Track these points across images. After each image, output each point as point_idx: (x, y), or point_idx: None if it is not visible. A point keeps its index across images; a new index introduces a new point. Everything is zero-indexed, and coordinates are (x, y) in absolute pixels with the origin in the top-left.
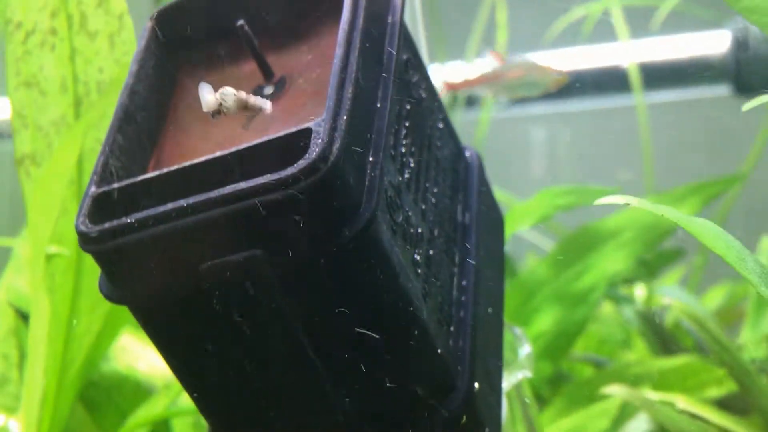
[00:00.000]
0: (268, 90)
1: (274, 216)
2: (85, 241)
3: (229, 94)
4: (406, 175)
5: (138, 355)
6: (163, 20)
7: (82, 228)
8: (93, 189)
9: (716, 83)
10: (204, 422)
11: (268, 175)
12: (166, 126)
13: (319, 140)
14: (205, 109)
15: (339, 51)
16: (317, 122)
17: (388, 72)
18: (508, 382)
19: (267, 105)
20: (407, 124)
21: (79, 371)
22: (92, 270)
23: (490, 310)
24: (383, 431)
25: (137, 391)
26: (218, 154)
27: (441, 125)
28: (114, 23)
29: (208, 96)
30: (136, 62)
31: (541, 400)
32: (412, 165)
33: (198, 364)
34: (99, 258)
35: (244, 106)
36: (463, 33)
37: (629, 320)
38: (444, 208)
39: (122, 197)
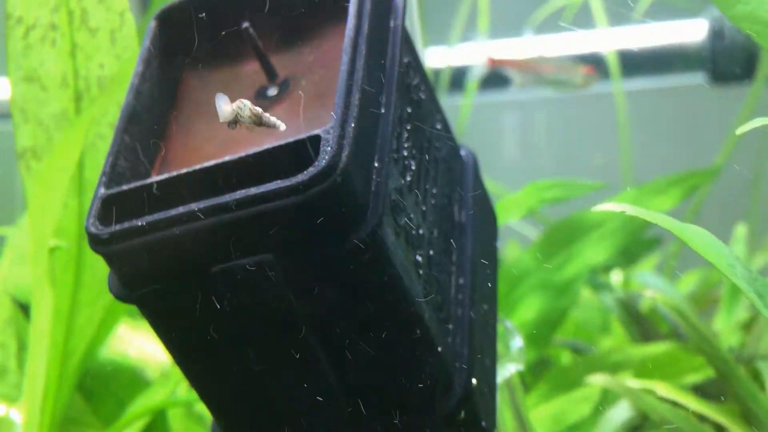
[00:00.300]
0: (272, 91)
1: (285, 221)
2: (96, 242)
3: (246, 107)
4: (408, 178)
5: (129, 341)
6: (166, 20)
7: (93, 229)
8: (102, 190)
9: (692, 71)
10: (198, 410)
11: (279, 181)
12: (170, 125)
13: (329, 148)
14: (221, 120)
15: (345, 57)
16: (326, 129)
17: (392, 77)
18: (500, 375)
19: (281, 126)
20: (408, 128)
21: (80, 362)
22: (93, 263)
23: (485, 307)
24: (385, 426)
25: (134, 380)
26: (227, 158)
27: (439, 126)
28: (115, 19)
29: (225, 107)
30: (141, 62)
31: (524, 386)
32: (413, 168)
33: (206, 363)
34: (109, 259)
35: (258, 122)
36: (445, 18)
37: (608, 306)
38: (442, 208)
39: (131, 199)
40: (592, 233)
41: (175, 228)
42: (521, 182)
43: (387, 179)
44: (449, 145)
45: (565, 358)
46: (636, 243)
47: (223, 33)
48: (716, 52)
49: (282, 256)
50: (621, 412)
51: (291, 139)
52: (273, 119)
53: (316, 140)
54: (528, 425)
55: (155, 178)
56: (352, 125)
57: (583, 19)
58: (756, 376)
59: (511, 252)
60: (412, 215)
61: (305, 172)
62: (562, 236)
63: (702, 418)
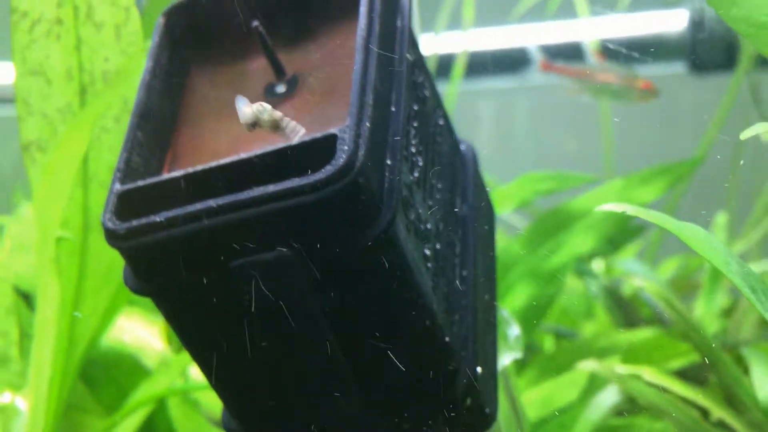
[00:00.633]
0: (281, 88)
1: (303, 218)
2: (113, 237)
3: (266, 110)
4: (416, 174)
5: (124, 329)
6: (173, 17)
7: (110, 225)
8: (117, 186)
9: (672, 61)
10: (194, 397)
11: (297, 179)
12: (180, 121)
13: (345, 147)
14: (241, 121)
15: (358, 57)
16: (342, 129)
17: (400, 76)
18: (499, 363)
19: (301, 131)
20: (415, 125)
21: (84, 350)
22: (97, 254)
23: (486, 297)
24: (396, 413)
25: (134, 368)
26: (244, 156)
27: (441, 122)
28: (120, 14)
29: (245, 109)
30: (150, 59)
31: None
32: (420, 164)
33: (220, 353)
34: (126, 254)
35: (277, 126)
36: (432, 6)
37: (592, 292)
38: (446, 202)
39: (147, 195)
40: (579, 223)
41: (193, 224)
42: (500, 169)
43: (399, 176)
44: (450, 140)
45: (548, 343)
46: (620, 231)
47: (229, 29)
48: (696, 42)
49: (300, 251)
50: (609, 396)
51: (307, 138)
52: (292, 124)
53: (332, 139)
54: (520, 409)
55: (172, 175)
56: (367, 125)
57: (565, 8)
58: (738, 361)
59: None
60: (420, 210)
61: (323, 170)
62: (550, 225)
63: (686, 402)
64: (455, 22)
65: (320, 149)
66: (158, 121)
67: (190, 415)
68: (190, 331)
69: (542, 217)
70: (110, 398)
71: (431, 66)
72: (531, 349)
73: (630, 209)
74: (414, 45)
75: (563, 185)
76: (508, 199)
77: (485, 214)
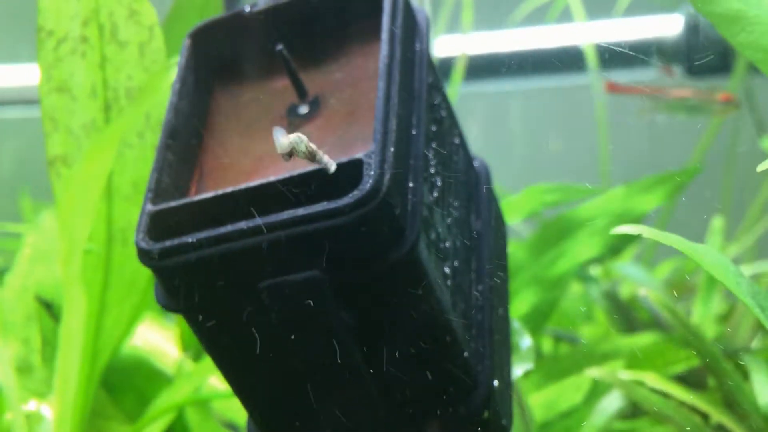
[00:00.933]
0: (303, 109)
1: (331, 240)
2: (146, 257)
3: (303, 142)
4: (435, 194)
5: (137, 335)
6: (199, 38)
7: (143, 245)
8: (149, 206)
9: (668, 65)
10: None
11: (326, 203)
12: (205, 140)
13: (372, 172)
14: (278, 151)
15: (381, 84)
16: (368, 154)
17: (420, 99)
18: (513, 374)
19: (332, 166)
20: (434, 145)
21: (108, 359)
22: (120, 265)
23: (500, 311)
24: (416, 426)
25: (153, 374)
26: (272, 179)
27: (457, 140)
28: (144, 33)
29: (282, 139)
30: (178, 80)
31: None
32: (439, 184)
33: (248, 367)
34: (159, 273)
35: (312, 158)
36: (431, 10)
37: (592, 297)
38: (462, 220)
39: (179, 215)
40: (583, 230)
41: (224, 245)
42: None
43: (421, 198)
44: (465, 158)
45: (547, 345)
46: (622, 238)
47: (254, 51)
48: (691, 47)
49: (328, 272)
50: (613, 401)
51: (318, 164)
52: (326, 159)
53: (358, 164)
54: (529, 414)
55: (203, 196)
56: (392, 149)
57: (562, 13)
58: (737, 367)
59: None
60: (439, 229)
61: (351, 195)
62: (553, 233)
63: (687, 407)
64: (454, 26)
65: (346, 173)
66: (185, 141)
67: (205, 420)
68: (220, 347)
69: (546, 225)
70: (131, 404)
71: None
72: (534, 353)
73: (646, 232)
74: (431, 67)
75: (569, 197)
76: (517, 210)
77: (498, 229)
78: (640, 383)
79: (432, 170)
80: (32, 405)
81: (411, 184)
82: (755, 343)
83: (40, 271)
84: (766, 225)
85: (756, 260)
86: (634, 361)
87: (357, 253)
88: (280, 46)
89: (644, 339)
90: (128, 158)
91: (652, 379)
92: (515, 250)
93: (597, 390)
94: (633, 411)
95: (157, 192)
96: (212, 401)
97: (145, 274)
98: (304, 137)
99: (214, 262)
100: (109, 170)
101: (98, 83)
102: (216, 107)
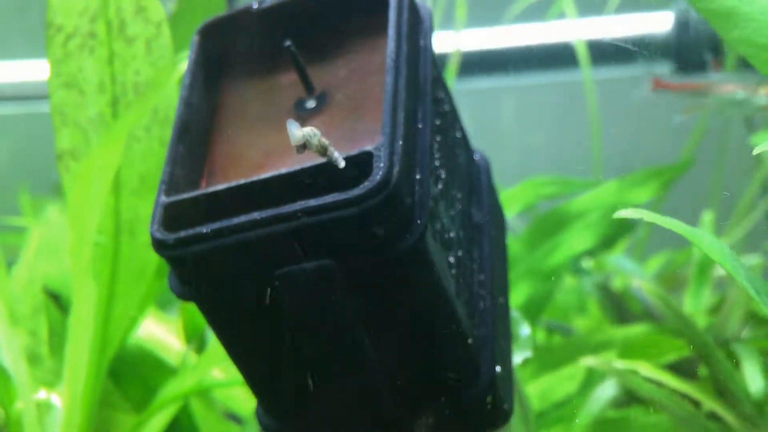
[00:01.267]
0: (311, 103)
1: (342, 230)
2: (162, 247)
3: (316, 136)
4: (440, 186)
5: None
6: (207, 35)
7: (158, 235)
8: (163, 198)
9: (658, 62)
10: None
11: (337, 194)
12: (215, 134)
13: (381, 164)
14: (292, 143)
15: (389, 78)
16: (377, 146)
17: (425, 94)
18: (513, 362)
19: (341, 163)
20: (438, 139)
21: (116, 349)
22: (128, 257)
23: (501, 299)
24: (421, 410)
25: (158, 365)
26: (284, 170)
27: (459, 134)
28: (152, 30)
29: (296, 132)
30: (188, 75)
31: None
32: (443, 176)
33: (259, 353)
34: (174, 262)
35: (323, 152)
36: None
37: (586, 289)
38: (465, 211)
39: (192, 207)
40: (577, 223)
41: (238, 235)
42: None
43: (428, 189)
44: (466, 151)
45: (540, 336)
46: (615, 230)
47: (262, 46)
48: (682, 43)
49: (339, 260)
50: (607, 390)
51: (344, 155)
52: (336, 154)
53: (368, 156)
54: (526, 402)
55: (216, 188)
56: (400, 142)
57: (554, 10)
58: (728, 355)
59: None
60: (444, 220)
61: (361, 186)
62: (548, 226)
63: (680, 395)
64: (447, 23)
65: (356, 165)
66: (196, 134)
67: (208, 410)
68: (232, 335)
69: (541, 217)
70: (137, 394)
71: None
72: (533, 342)
73: (647, 215)
74: (434, 62)
75: (566, 189)
76: (513, 203)
77: (497, 220)
78: (634, 372)
79: (437, 163)
80: (42, 394)
81: (418, 176)
82: (744, 334)
83: (47, 264)
84: (755, 219)
85: (744, 253)
86: (628, 351)
87: (367, 242)
88: (288, 42)
89: (637, 329)
90: (136, 152)
91: (645, 368)
92: (510, 244)
93: (591, 380)
94: (626, 400)
95: (170, 184)
96: (214, 392)
97: (152, 265)
98: (317, 131)
99: (228, 251)
100: (118, 164)
101: (106, 78)
102: (224, 102)
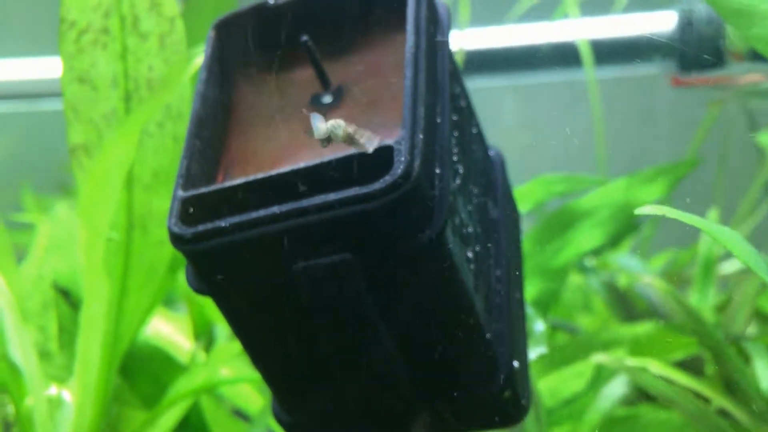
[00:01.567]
0: (327, 99)
1: (363, 224)
2: (179, 241)
3: (341, 126)
4: (458, 181)
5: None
6: (223, 29)
7: (176, 230)
8: (181, 192)
9: (661, 61)
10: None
11: (357, 188)
12: (231, 129)
13: (402, 158)
14: (316, 136)
15: (408, 72)
16: (397, 140)
17: (444, 89)
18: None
19: (372, 144)
20: (456, 134)
21: (127, 346)
22: (140, 253)
23: (517, 295)
24: (441, 405)
25: (168, 361)
26: (302, 164)
27: (475, 130)
28: (165, 25)
29: (320, 125)
30: (204, 70)
31: None
32: (461, 171)
33: (276, 348)
34: (192, 257)
35: (351, 140)
36: None
37: (593, 287)
38: (481, 207)
39: (210, 201)
40: (586, 221)
41: (257, 229)
42: None
43: (448, 184)
44: (482, 147)
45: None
46: (623, 228)
47: (277, 41)
48: (685, 43)
49: (359, 255)
50: (617, 387)
51: (356, 147)
52: (363, 140)
53: (388, 150)
54: (537, 399)
55: (234, 182)
56: (421, 136)
57: (553, 8)
58: (738, 352)
59: None
60: (462, 215)
61: (382, 180)
62: (557, 224)
63: (689, 392)
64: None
65: (376, 159)
66: (212, 129)
67: (217, 407)
68: (249, 330)
69: (550, 215)
70: (147, 390)
71: None
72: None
73: (671, 213)
74: (451, 58)
75: (576, 187)
76: (524, 200)
77: (512, 216)
78: (644, 369)
79: (455, 158)
80: (53, 390)
81: (438, 171)
82: (749, 331)
83: (56, 260)
84: (758, 218)
85: None
86: (636, 349)
87: (387, 236)
88: (305, 37)
89: (644, 327)
90: (148, 147)
91: (655, 365)
92: None
93: (599, 378)
94: (635, 397)
95: (187, 178)
96: (222, 389)
97: (164, 261)
98: (341, 122)
99: (247, 245)
100: (131, 159)
101: (119, 74)
102: (240, 97)
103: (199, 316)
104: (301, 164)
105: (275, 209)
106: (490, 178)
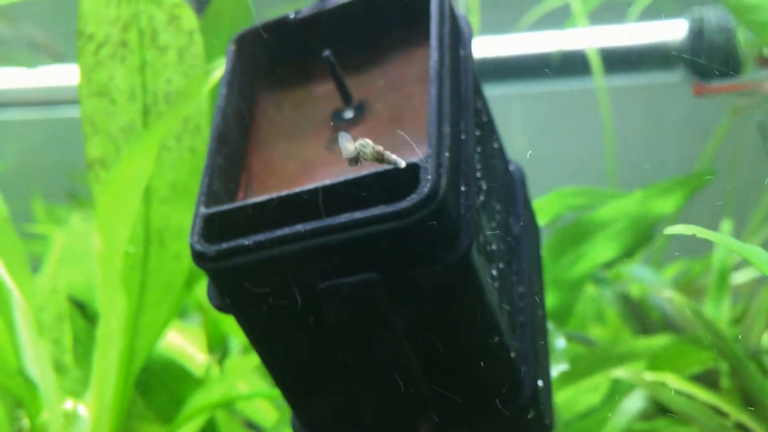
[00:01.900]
0: (348, 114)
1: (389, 243)
2: (202, 259)
3: (369, 145)
4: (482, 198)
5: None
6: (244, 44)
7: (198, 247)
8: (203, 209)
9: (672, 70)
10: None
11: (384, 206)
12: (250, 143)
13: (428, 176)
14: (344, 156)
15: (433, 89)
16: (423, 159)
17: (467, 104)
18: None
19: (401, 163)
20: (479, 150)
21: (143, 360)
22: (157, 267)
23: (540, 312)
24: (465, 423)
25: (183, 375)
26: (327, 182)
27: (496, 145)
28: (184, 38)
29: (348, 145)
30: (225, 85)
31: None
32: (484, 188)
33: (298, 366)
34: (214, 275)
35: (380, 159)
36: None
37: (607, 299)
38: (504, 223)
39: (233, 218)
40: (601, 233)
41: (281, 247)
42: None
43: (473, 202)
44: (503, 162)
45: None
46: (639, 240)
47: (298, 56)
48: (695, 51)
49: (384, 274)
50: (635, 402)
51: (390, 167)
52: (393, 157)
53: (414, 168)
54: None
55: (258, 199)
56: (447, 154)
57: (565, 17)
58: (758, 366)
59: None
60: (486, 232)
61: (409, 199)
62: (572, 236)
63: (708, 407)
64: None
65: (401, 177)
66: (233, 145)
67: (231, 420)
68: (271, 347)
69: (565, 227)
70: (162, 405)
71: None
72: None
73: (700, 232)
74: (474, 73)
75: (594, 200)
76: (542, 214)
77: (533, 231)
78: (663, 384)
79: (479, 174)
80: (68, 404)
81: (463, 188)
82: (766, 341)
83: (71, 272)
84: None
85: None
86: (655, 363)
87: (414, 255)
88: (327, 52)
89: (660, 340)
90: (166, 161)
91: (673, 380)
92: None
93: (615, 391)
94: (652, 412)
95: (209, 195)
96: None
97: (180, 276)
98: (368, 141)
99: (271, 264)
100: (149, 173)
101: (137, 87)
102: (261, 112)
103: (214, 328)
104: (326, 181)
105: (299, 227)
106: (511, 193)
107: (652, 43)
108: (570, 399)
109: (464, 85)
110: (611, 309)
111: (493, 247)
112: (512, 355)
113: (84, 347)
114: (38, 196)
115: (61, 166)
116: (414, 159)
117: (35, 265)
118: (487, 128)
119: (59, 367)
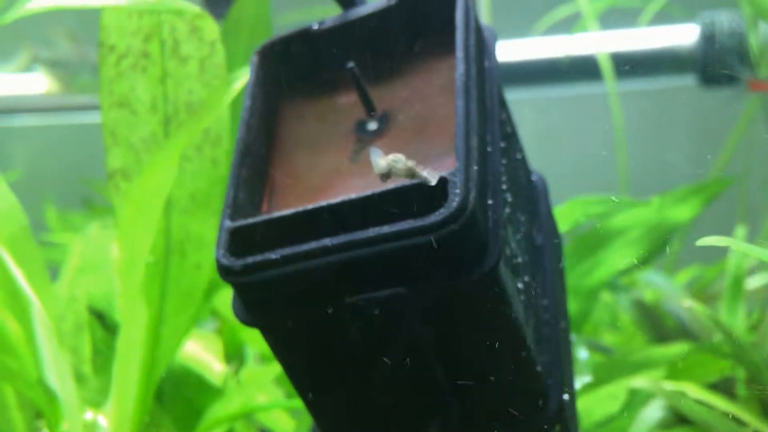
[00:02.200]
0: (372, 125)
1: (417, 257)
2: (228, 273)
3: (401, 160)
4: (507, 210)
5: None
6: (267, 55)
7: (224, 261)
8: (228, 223)
9: (683, 74)
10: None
11: (412, 221)
12: (274, 155)
13: (457, 190)
14: (376, 171)
15: (460, 102)
16: (452, 172)
17: (493, 116)
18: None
19: (433, 179)
20: (504, 162)
21: (163, 371)
22: (178, 277)
23: (563, 324)
24: None
25: (202, 385)
26: (354, 196)
27: (519, 155)
28: (205, 49)
29: (380, 161)
30: (249, 97)
31: None
32: (509, 200)
33: (325, 381)
34: (241, 289)
35: (412, 174)
36: None
37: (623, 306)
38: (528, 235)
39: (259, 231)
40: (617, 241)
41: (309, 262)
42: None
43: (501, 215)
44: (526, 173)
45: None
46: (655, 247)
47: (321, 66)
48: (707, 56)
49: (412, 288)
50: (654, 411)
51: (417, 180)
52: (425, 173)
53: (442, 182)
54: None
55: (284, 212)
56: (475, 167)
57: (576, 22)
58: None
59: None
60: (512, 245)
61: (438, 213)
62: (589, 244)
63: (726, 416)
64: None
65: (429, 191)
66: (257, 157)
67: (248, 428)
68: (297, 362)
69: (582, 235)
70: (181, 415)
71: None
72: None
73: (732, 243)
74: (498, 83)
75: (614, 209)
76: (561, 222)
77: (556, 242)
78: (683, 393)
79: (504, 186)
80: (88, 415)
81: (490, 201)
82: None
83: (89, 281)
84: None
85: None
86: (672, 371)
87: (442, 270)
88: (351, 63)
89: (677, 348)
90: (186, 171)
91: (692, 389)
92: None
93: (634, 400)
94: (671, 421)
95: (234, 208)
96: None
97: (200, 286)
98: (400, 156)
99: (298, 278)
100: (170, 184)
101: (158, 98)
102: (284, 123)
103: (231, 336)
104: (352, 195)
105: (327, 241)
106: (534, 204)
107: (664, 48)
108: (588, 407)
109: (489, 97)
110: (625, 315)
111: (519, 260)
112: (538, 368)
113: (104, 358)
114: (51, 202)
115: (70, 173)
116: (443, 173)
117: (52, 273)
118: (512, 139)
119: (78, 377)
